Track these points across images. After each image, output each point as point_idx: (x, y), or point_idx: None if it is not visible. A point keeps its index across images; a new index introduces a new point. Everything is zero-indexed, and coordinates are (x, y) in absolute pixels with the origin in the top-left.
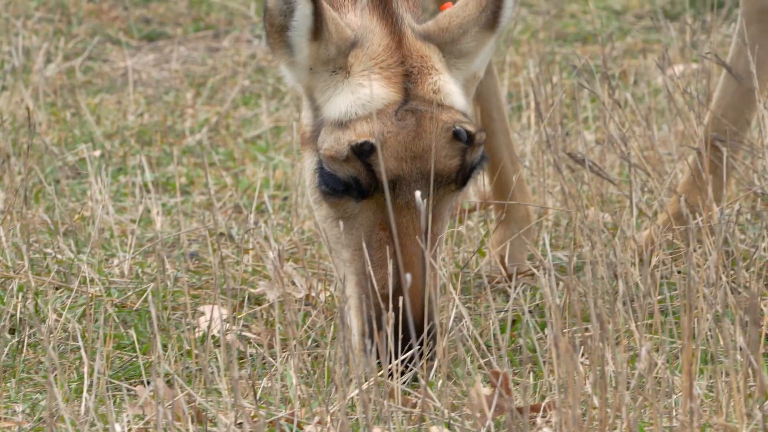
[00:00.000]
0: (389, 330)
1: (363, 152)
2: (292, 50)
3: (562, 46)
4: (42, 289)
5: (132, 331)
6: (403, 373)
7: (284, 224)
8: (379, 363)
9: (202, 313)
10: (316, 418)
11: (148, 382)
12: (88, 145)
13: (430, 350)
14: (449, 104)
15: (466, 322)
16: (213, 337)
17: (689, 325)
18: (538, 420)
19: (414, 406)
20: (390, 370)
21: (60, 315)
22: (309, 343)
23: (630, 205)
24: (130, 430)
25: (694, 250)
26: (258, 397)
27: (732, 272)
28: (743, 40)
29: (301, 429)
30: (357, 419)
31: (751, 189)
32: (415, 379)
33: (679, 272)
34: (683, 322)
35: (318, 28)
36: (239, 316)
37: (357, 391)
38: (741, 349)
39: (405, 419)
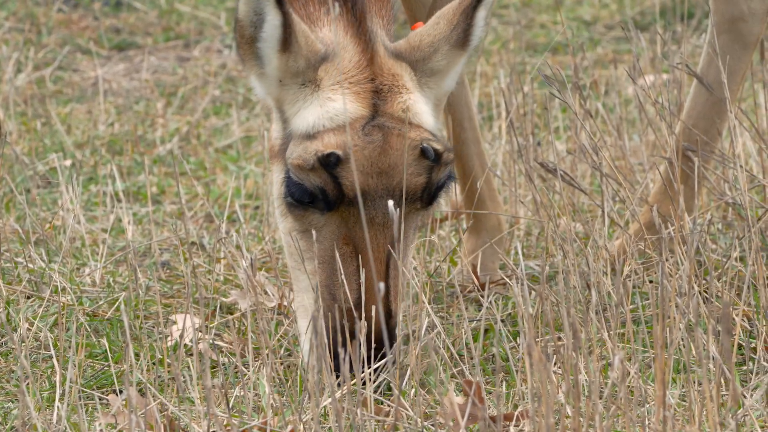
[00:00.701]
0: (343, 342)
1: (329, 163)
2: (262, 62)
3: (532, 56)
4: (13, 298)
5: (104, 340)
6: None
7: (256, 233)
8: (337, 375)
9: (174, 322)
10: (289, 427)
11: (121, 391)
12: (58, 155)
13: (385, 364)
14: (417, 123)
15: (438, 331)
16: (185, 345)
17: (662, 335)
18: (511, 429)
19: (387, 414)
20: (362, 379)
21: (32, 324)
22: (281, 351)
23: (602, 214)
24: None
25: (666, 260)
26: (231, 406)
27: (704, 282)
28: (713, 50)
29: None
30: (330, 428)
31: (723, 199)
32: (388, 387)
33: (651, 282)
34: (656, 331)
35: (287, 39)
36: (211, 325)
37: (330, 399)
38: (713, 358)
39: (378, 428)
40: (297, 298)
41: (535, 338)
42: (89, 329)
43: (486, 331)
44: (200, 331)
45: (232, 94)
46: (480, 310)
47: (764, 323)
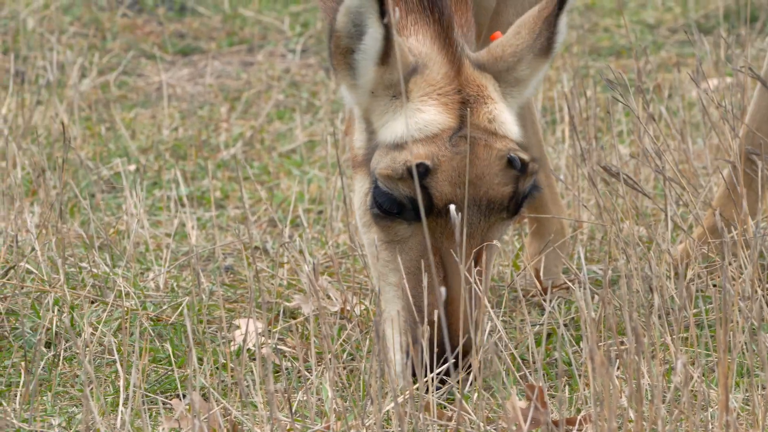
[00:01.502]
0: (426, 348)
1: (418, 174)
2: (356, 73)
3: (596, 60)
4: (78, 303)
5: (167, 345)
6: (439, 388)
7: (319, 238)
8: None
9: (238, 327)
10: (352, 431)
11: (184, 396)
12: (122, 160)
13: (466, 366)
14: (503, 133)
15: (501, 335)
16: (248, 350)
17: (725, 339)
18: None
19: (449, 419)
20: (426, 383)
21: (96, 329)
22: (344, 356)
23: (665, 218)
24: None
25: (730, 264)
26: (293, 411)
27: (767, 285)
28: None
29: None
30: None
31: None
32: (451, 392)
33: (714, 286)
34: (719, 335)
35: (386, 52)
36: (274, 330)
37: (392, 404)
38: None
39: None
40: (385, 309)
41: (598, 342)
42: (153, 334)
43: (549, 335)
44: (263, 336)
45: (296, 98)
46: (543, 315)
47: None
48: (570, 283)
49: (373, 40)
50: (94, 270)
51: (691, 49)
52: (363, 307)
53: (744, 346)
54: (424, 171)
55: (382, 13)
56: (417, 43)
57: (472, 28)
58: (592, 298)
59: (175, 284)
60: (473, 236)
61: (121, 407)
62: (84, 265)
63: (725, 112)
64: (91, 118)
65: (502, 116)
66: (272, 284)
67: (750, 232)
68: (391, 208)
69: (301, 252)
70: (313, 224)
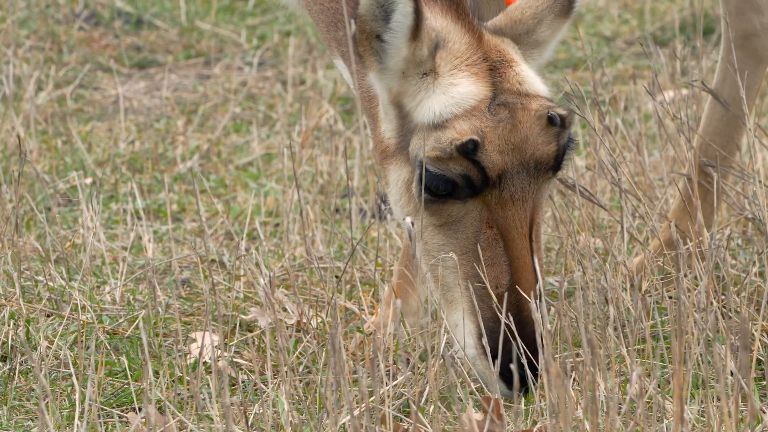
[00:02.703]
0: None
1: (468, 150)
2: (384, 56)
3: (552, 72)
4: (33, 317)
5: (123, 358)
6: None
7: (275, 251)
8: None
9: (194, 340)
10: None
11: (140, 409)
12: (79, 173)
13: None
14: (535, 92)
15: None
16: (204, 363)
17: (680, 350)
18: None
19: (405, 431)
20: (381, 396)
21: (51, 342)
22: (300, 369)
23: (621, 230)
24: None
25: (685, 275)
26: (249, 424)
27: (723, 297)
28: (732, 66)
29: None
30: None
31: (742, 214)
32: (406, 405)
33: (670, 297)
34: (674, 347)
35: (418, 26)
36: (231, 343)
37: (348, 417)
38: (732, 373)
39: None
40: (444, 294)
41: (554, 354)
42: (109, 347)
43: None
44: (219, 349)
45: (253, 111)
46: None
47: None
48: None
49: (404, 16)
50: (50, 283)
51: (647, 61)
52: (319, 319)
53: (699, 358)
54: (473, 147)
55: None
56: (431, 18)
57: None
58: (548, 310)
59: (131, 297)
60: (526, 200)
61: (76, 421)
62: (40, 278)
63: (681, 124)
64: (48, 131)
65: (530, 77)
66: (229, 297)
67: (705, 244)
68: (444, 188)
69: (257, 265)
70: (270, 237)
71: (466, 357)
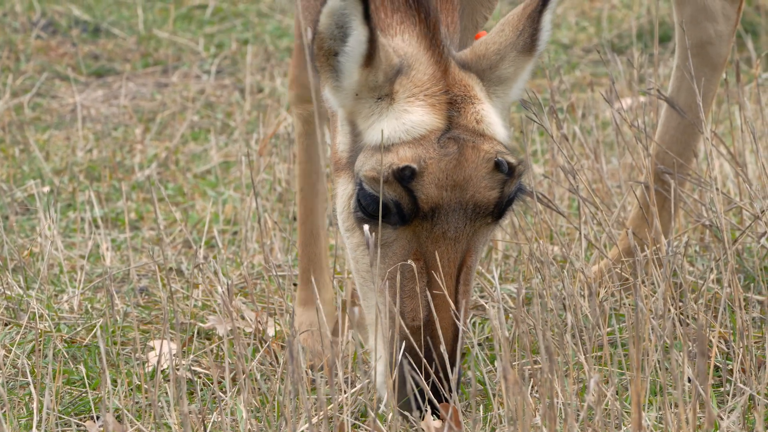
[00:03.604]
0: (413, 362)
1: (404, 177)
2: (339, 75)
3: None
4: None
5: (81, 367)
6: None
7: (234, 259)
8: (406, 400)
9: (152, 348)
10: None
11: (98, 418)
12: (36, 181)
13: (455, 384)
14: (491, 134)
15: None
16: (163, 371)
17: (638, 357)
18: None
19: None
20: (340, 403)
21: (9, 351)
22: (258, 377)
23: (579, 237)
24: None
25: (643, 282)
26: None
27: (680, 304)
28: (689, 74)
29: None
30: None
31: (700, 221)
32: (363, 413)
33: (627, 304)
34: (632, 353)
35: (371, 55)
36: (189, 351)
37: (307, 425)
38: (690, 380)
39: None
40: (367, 315)
41: (512, 362)
42: (67, 356)
43: (463, 354)
44: (178, 357)
45: (211, 119)
46: None
47: (740, 345)
48: (484, 303)
49: (357, 43)
50: (8, 292)
51: (604, 68)
52: (278, 327)
53: (657, 365)
54: (410, 174)
55: (367, 15)
56: (402, 42)
57: (458, 29)
58: (506, 317)
59: (89, 306)
60: (458, 240)
61: (34, 430)
62: None
63: (638, 132)
64: (5, 140)
65: (489, 117)
66: (187, 305)
67: (663, 251)
68: (375, 210)
69: (215, 273)
70: (228, 245)
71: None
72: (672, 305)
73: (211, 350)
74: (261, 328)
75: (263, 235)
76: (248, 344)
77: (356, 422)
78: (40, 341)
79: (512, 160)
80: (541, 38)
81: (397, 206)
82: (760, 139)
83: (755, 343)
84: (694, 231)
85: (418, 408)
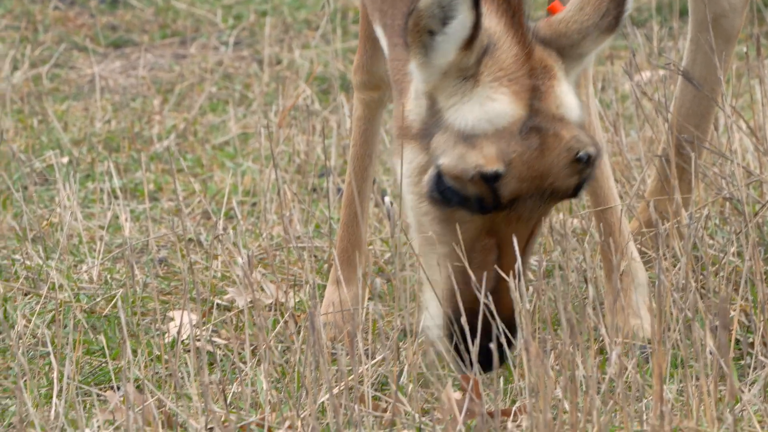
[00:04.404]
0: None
1: (489, 179)
2: (431, 53)
3: None
4: (11, 295)
5: (101, 337)
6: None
7: (253, 230)
8: (460, 356)
9: (172, 319)
10: (287, 423)
11: (118, 388)
12: (55, 152)
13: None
14: (569, 119)
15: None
16: (183, 342)
17: (659, 330)
18: (509, 424)
19: (384, 410)
20: (361, 374)
21: (29, 321)
22: (279, 347)
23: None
24: None
25: (664, 255)
26: (228, 402)
27: (701, 277)
28: (697, 47)
29: None
30: (327, 424)
31: (720, 194)
32: (384, 383)
33: (649, 277)
34: (653, 326)
35: (472, 39)
36: (209, 322)
37: (327, 395)
38: (711, 353)
39: (376, 424)
40: (428, 274)
41: (533, 334)
42: (86, 326)
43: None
44: (197, 328)
45: (229, 91)
46: None
47: (761, 318)
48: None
49: (461, 27)
50: (27, 262)
51: (624, 41)
52: (297, 299)
53: (678, 337)
54: (495, 177)
55: (477, 0)
56: (486, 19)
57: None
58: (527, 289)
59: (108, 276)
60: (531, 220)
61: (54, 399)
62: (17, 257)
63: (658, 105)
64: (24, 110)
65: (568, 99)
66: (206, 276)
67: (684, 224)
68: (456, 201)
69: (234, 244)
70: (247, 216)
71: (430, 334)
72: (693, 278)
73: (231, 321)
74: (281, 300)
75: (282, 207)
76: (268, 315)
77: (377, 393)
78: (60, 311)
79: (591, 150)
80: (624, 18)
81: (477, 201)
82: None
83: None
84: (714, 204)
85: (486, 364)
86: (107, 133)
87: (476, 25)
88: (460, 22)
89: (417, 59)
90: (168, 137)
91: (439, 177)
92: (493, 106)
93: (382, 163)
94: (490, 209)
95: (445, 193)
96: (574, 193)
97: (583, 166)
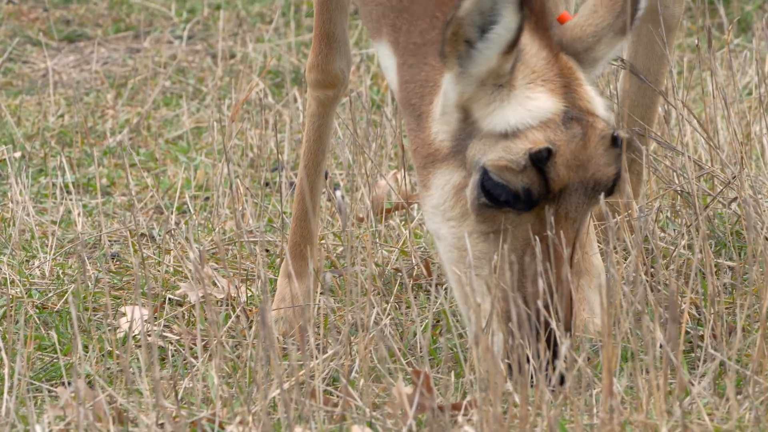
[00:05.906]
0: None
1: (541, 159)
2: (469, 62)
3: None
4: None
5: (53, 333)
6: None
7: (205, 225)
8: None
9: (123, 314)
10: (238, 418)
11: (69, 383)
12: (8, 147)
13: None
14: (599, 113)
15: (387, 321)
16: (134, 337)
17: (609, 323)
18: (460, 418)
19: (335, 405)
20: (312, 369)
21: None
22: (230, 343)
23: None
24: (51, 431)
25: (614, 248)
26: (179, 398)
27: (652, 270)
28: (638, 38)
29: (223, 429)
30: (279, 419)
31: (671, 187)
32: (336, 378)
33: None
34: (603, 319)
35: (515, 42)
36: (160, 317)
37: (278, 390)
38: (661, 346)
39: (327, 418)
40: (479, 298)
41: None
42: (38, 321)
43: (437, 321)
44: (149, 323)
45: (182, 85)
46: (429, 301)
47: (711, 311)
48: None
49: (506, 30)
50: None
51: None
52: (249, 293)
53: (628, 331)
54: (547, 155)
55: (521, 1)
56: None
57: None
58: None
59: (60, 271)
60: (576, 220)
61: (5, 395)
62: None
63: (608, 99)
64: None
65: (594, 97)
66: (158, 271)
67: (634, 215)
68: (505, 198)
69: (187, 239)
70: (200, 211)
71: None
72: (643, 271)
73: (183, 316)
74: (233, 295)
75: (235, 201)
76: (219, 310)
77: (328, 388)
78: (12, 307)
79: (624, 134)
80: (637, 18)
81: (526, 193)
82: (731, 105)
83: (726, 308)
84: (665, 197)
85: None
86: (60, 127)
87: (521, 27)
88: (504, 26)
89: (453, 70)
90: (121, 132)
91: (484, 177)
92: (535, 103)
93: (335, 157)
94: (537, 201)
95: (493, 191)
96: (612, 187)
97: (618, 152)
